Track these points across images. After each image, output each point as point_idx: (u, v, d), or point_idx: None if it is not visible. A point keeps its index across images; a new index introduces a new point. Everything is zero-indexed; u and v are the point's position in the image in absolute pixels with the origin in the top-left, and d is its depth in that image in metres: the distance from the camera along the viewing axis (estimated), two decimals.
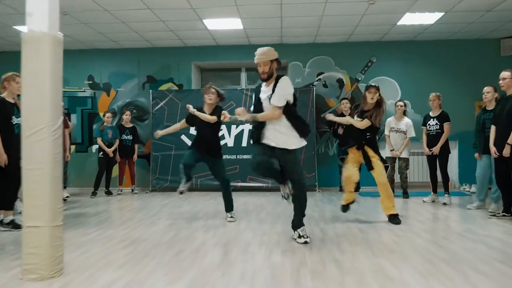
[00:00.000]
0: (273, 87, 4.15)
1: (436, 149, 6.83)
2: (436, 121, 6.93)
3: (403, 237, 4.44)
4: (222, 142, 8.75)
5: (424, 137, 7.13)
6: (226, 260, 3.64)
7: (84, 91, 9.71)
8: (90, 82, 9.71)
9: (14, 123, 5.04)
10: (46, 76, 3.18)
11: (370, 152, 5.32)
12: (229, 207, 5.62)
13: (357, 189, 8.32)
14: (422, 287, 2.89)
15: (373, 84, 5.39)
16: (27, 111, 3.19)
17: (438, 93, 7.05)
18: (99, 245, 4.22)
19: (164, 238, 4.54)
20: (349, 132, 5.65)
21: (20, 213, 5.92)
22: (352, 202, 5.57)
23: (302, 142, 4.30)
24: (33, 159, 3.15)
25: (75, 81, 9.68)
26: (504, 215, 5.47)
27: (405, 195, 7.57)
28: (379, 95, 5.29)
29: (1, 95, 5.08)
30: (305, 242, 4.16)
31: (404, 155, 7.60)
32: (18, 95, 5.58)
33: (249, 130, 8.38)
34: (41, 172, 3.14)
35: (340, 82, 9.36)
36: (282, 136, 4.21)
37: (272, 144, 4.22)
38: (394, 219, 5.22)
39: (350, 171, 5.44)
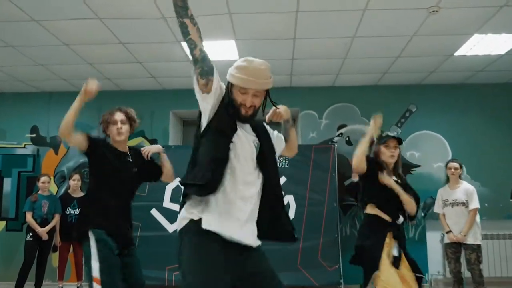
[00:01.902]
0: (259, 130, 2.34)
1: None
2: None
3: None
4: None
5: None
6: None
7: (24, 147, 7.23)
8: (34, 135, 7.24)
9: None
10: None
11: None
12: None
13: None
14: None
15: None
16: None
17: None
18: None
19: None
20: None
21: None
22: None
23: None
24: None
25: (13, 134, 7.22)
26: None
27: None
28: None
29: None
30: None
31: (472, 240, 5.07)
32: None
33: None
34: None
35: None
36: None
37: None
38: None
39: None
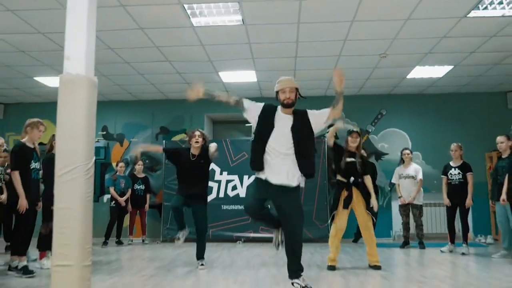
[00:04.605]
0: (295, 118, 4.00)
1: (469, 202, 6.83)
2: (459, 171, 7.01)
3: (428, 284, 4.35)
4: (234, 192, 8.85)
5: (444, 187, 7.16)
6: None
7: (97, 141, 9.83)
8: (104, 132, 9.87)
9: (32, 167, 5.13)
10: (81, 116, 3.27)
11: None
12: (200, 255, 5.56)
13: (356, 239, 8.25)
14: None
15: (354, 129, 5.67)
16: (60, 150, 3.25)
17: (460, 144, 7.18)
18: None
19: (185, 284, 4.46)
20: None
21: (34, 260, 5.90)
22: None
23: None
24: (64, 198, 3.18)
25: None
26: None
27: (421, 245, 7.44)
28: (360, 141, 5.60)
29: (21, 140, 5.17)
30: None
31: (417, 201, 7.62)
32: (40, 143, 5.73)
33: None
34: (72, 211, 3.16)
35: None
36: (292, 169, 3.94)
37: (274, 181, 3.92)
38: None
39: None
